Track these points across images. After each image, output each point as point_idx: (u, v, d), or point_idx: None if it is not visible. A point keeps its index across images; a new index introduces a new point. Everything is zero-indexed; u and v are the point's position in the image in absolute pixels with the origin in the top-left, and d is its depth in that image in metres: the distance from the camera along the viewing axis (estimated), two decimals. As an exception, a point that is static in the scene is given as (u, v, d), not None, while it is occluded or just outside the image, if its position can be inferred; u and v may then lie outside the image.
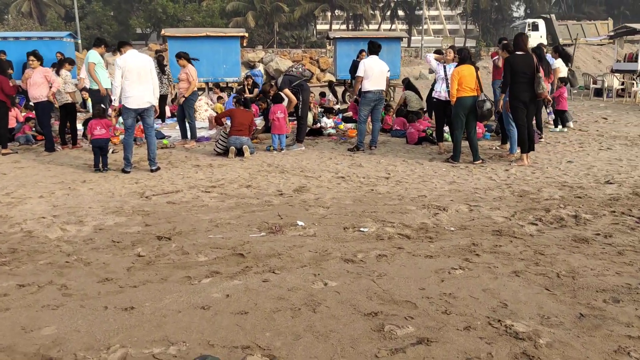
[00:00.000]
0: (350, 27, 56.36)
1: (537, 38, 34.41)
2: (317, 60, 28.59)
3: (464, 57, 7.13)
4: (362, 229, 4.55)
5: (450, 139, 8.97)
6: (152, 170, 6.93)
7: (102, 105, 7.12)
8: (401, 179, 6.41)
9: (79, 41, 24.08)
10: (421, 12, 63.48)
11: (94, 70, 8.37)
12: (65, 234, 4.53)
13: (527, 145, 6.99)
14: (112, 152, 8.33)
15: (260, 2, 44.61)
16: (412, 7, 63.68)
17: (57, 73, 8.58)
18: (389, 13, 62.56)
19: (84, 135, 9.52)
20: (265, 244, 4.21)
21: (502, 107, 7.19)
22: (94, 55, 8.36)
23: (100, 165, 6.82)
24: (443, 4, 70.10)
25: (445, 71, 7.76)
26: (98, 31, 46.30)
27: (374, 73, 8.12)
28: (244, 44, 14.78)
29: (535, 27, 34.81)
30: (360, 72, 8.18)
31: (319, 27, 60.94)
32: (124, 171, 6.89)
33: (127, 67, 6.55)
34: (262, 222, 4.79)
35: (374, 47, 8.38)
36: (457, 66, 7.15)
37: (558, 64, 10.45)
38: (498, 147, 8.38)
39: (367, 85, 8.18)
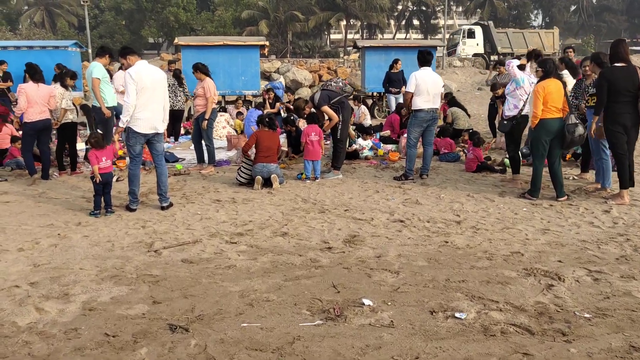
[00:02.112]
0: (364, 37, 55.24)
1: (473, 46, 32.61)
2: (334, 71, 27.37)
3: (549, 69, 5.79)
4: (457, 314, 3.21)
5: (509, 164, 7.62)
6: (162, 208, 5.66)
7: (99, 131, 5.84)
8: (477, 224, 5.06)
9: (89, 50, 23.01)
10: (437, 21, 62.42)
11: (99, 88, 7.11)
12: (41, 317, 3.23)
13: (627, 179, 5.61)
14: (117, 180, 7.07)
15: (274, 11, 43.66)
16: (427, 16, 62.59)
17: (63, 86, 7.38)
18: (403, 22, 61.53)
19: (86, 157, 8.30)
20: (324, 343, 2.90)
21: (594, 132, 5.81)
22: (98, 69, 7.09)
23: (102, 205, 5.52)
24: (459, 13, 68.85)
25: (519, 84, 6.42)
26: (110, 40, 45.61)
27: (427, 88, 6.80)
28: (265, 54, 13.57)
29: (471, 35, 32.99)
30: (410, 87, 6.87)
31: (332, 36, 59.93)
32: (128, 209, 5.62)
33: (140, 80, 5.30)
34: (312, 298, 3.47)
35: (425, 57, 7.05)
36: (540, 80, 5.81)
37: (564, 77, 9.25)
38: (576, 177, 6.99)
39: (419, 103, 6.86)
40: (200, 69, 7.58)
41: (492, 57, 30.65)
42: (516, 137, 6.71)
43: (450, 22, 74.05)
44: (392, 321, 3.15)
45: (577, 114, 6.34)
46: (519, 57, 6.28)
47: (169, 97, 10.22)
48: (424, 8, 61.86)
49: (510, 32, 33.03)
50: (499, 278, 3.77)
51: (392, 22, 59.73)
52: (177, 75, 10.53)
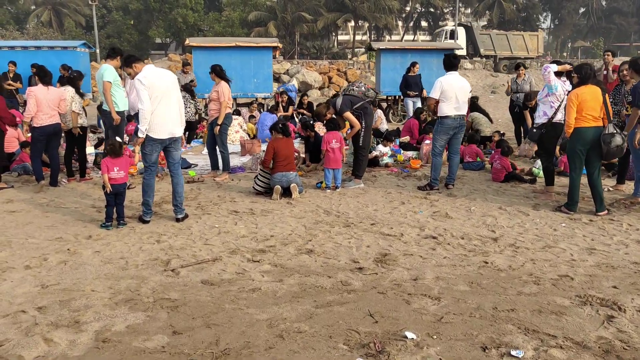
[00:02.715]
0: (372, 38, 54.87)
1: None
2: (344, 73, 27.04)
3: (585, 75, 5.43)
4: (513, 352, 2.87)
5: (539, 173, 7.28)
6: (178, 220, 5.34)
7: (118, 138, 5.53)
8: (515, 242, 4.70)
9: (97, 51, 22.78)
10: (445, 22, 61.99)
11: (110, 92, 6.81)
12: (50, 350, 2.92)
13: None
14: (129, 188, 6.76)
15: (282, 12, 43.39)
16: (436, 18, 62.17)
17: (76, 91, 7.11)
18: (411, 24, 61.12)
19: (95, 162, 8.01)
20: (369, 386, 2.56)
21: (638, 141, 5.45)
22: (109, 72, 6.77)
23: (115, 217, 5.21)
24: (467, 15, 68.37)
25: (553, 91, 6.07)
26: (118, 40, 45.50)
27: (455, 94, 6.46)
28: (277, 55, 13.25)
29: (453, 36, 32.30)
30: (434, 93, 6.52)
31: (339, 37, 59.59)
32: (141, 220, 5.31)
33: (153, 86, 4.99)
34: (348, 329, 3.13)
35: (451, 62, 6.68)
36: (575, 87, 5.45)
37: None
38: (611, 189, 6.62)
39: (446, 109, 6.51)
40: (217, 72, 7.25)
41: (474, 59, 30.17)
42: (548, 146, 6.36)
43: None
44: (439, 358, 2.82)
45: (618, 121, 5.99)
46: (557, 62, 6.01)
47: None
48: (432, 10, 61.51)
49: (494, 34, 32.42)
50: (552, 307, 3.42)
51: (400, 23, 59.34)
52: (187, 89, 10.24)
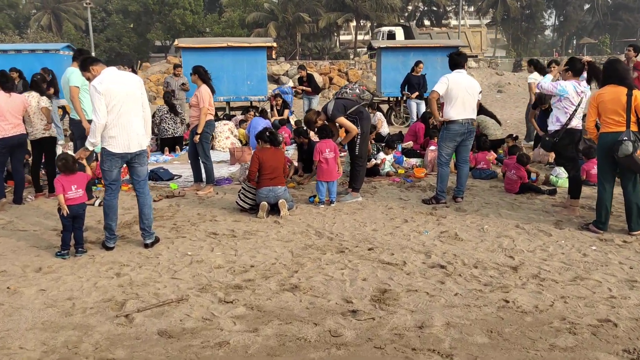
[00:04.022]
0: (374, 38, 54.07)
1: None
2: (345, 73, 26.31)
3: (609, 73, 4.70)
4: None
5: (558, 183, 6.54)
6: (146, 245, 4.63)
7: (71, 153, 4.83)
8: (540, 272, 3.96)
9: (92, 54, 22.15)
10: (447, 21, 61.17)
11: (78, 98, 6.12)
12: None
13: None
14: (98, 205, 6.07)
15: (282, 12, 42.71)
16: (438, 16, 61.37)
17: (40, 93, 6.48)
18: (414, 23, 60.30)
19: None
20: None
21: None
22: (76, 76, 6.04)
23: (72, 244, 4.50)
24: (470, 13, 67.50)
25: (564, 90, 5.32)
26: (117, 44, 44.96)
27: (461, 95, 5.71)
28: (273, 56, 12.56)
29: (391, 36, 30.82)
30: (439, 87, 5.67)
31: (342, 37, 58.86)
32: (104, 246, 4.60)
33: (110, 93, 4.28)
34: (336, 405, 2.41)
35: (455, 60, 5.92)
36: (600, 86, 4.71)
37: (533, 79, 8.83)
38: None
39: (452, 113, 5.77)
40: (200, 73, 6.52)
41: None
42: (567, 154, 5.58)
43: (458, 22, 72.89)
44: None
45: None
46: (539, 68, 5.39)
47: (169, 125, 9.32)
48: (434, 8, 60.75)
49: (434, 33, 31.36)
50: (595, 368, 2.69)
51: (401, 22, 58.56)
52: (168, 102, 9.53)
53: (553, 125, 5.50)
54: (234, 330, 3.15)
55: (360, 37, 51.04)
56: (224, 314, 3.36)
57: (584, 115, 5.37)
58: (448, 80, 5.72)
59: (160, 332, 3.14)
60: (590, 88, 5.50)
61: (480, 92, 6.12)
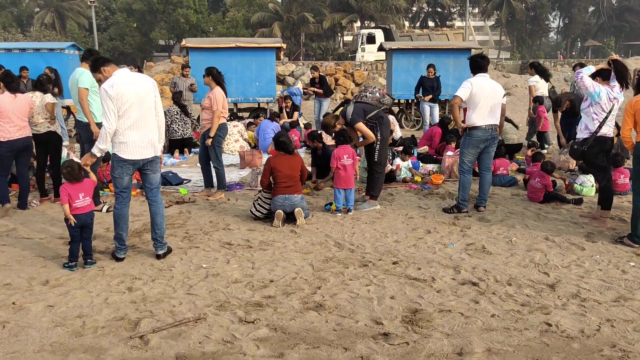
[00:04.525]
0: (354, 41, 53.81)
1: (373, 52, 29.27)
2: (351, 74, 26.04)
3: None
4: None
5: (583, 191, 6.30)
6: (158, 256, 4.41)
7: (75, 159, 4.61)
8: (579, 291, 3.72)
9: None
10: (452, 22, 60.93)
11: (87, 100, 5.88)
12: None
13: None
14: (106, 211, 5.85)
15: (287, 13, 42.50)
16: (443, 18, 61.13)
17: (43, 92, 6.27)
18: (418, 24, 60.03)
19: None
20: None
21: None
22: (85, 77, 5.79)
23: (80, 254, 4.28)
24: (475, 15, 67.25)
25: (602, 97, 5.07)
26: (121, 42, 44.78)
27: (484, 100, 5.48)
28: (282, 57, 12.32)
29: (371, 39, 30.42)
30: (462, 92, 5.42)
31: (346, 38, 58.68)
32: (114, 257, 4.38)
33: (122, 97, 4.04)
34: None
35: (478, 63, 5.68)
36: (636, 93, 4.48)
37: (534, 82, 9.43)
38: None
39: (475, 119, 5.53)
40: (213, 75, 6.29)
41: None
42: (597, 163, 5.33)
43: (462, 23, 72.63)
44: None
45: None
46: (581, 64, 5.16)
47: (179, 126, 9.13)
48: (439, 9, 60.52)
49: (415, 35, 30.83)
50: (659, 405, 2.45)
51: (406, 23, 58.28)
52: (178, 103, 9.34)
53: (582, 133, 5.25)
54: (257, 355, 2.91)
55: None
56: (246, 335, 3.13)
57: (617, 123, 5.13)
58: (472, 84, 5.49)
59: (178, 357, 2.90)
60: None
61: (505, 95, 5.88)
